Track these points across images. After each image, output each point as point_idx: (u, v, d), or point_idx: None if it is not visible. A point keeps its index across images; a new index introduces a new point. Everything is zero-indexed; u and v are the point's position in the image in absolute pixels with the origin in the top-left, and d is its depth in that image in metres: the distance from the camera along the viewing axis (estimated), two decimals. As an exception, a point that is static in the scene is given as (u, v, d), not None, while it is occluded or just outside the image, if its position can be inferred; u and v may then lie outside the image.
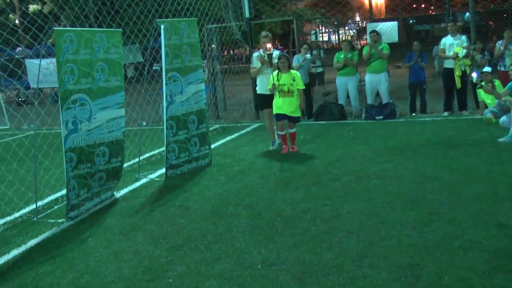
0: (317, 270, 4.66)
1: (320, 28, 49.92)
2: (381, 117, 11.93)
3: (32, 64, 18.18)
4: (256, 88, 10.00)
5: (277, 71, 9.11)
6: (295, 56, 13.44)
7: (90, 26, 17.51)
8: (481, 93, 11.03)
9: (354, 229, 5.53)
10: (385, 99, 12.37)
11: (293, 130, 9.34)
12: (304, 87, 9.31)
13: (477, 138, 9.16)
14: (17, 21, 31.89)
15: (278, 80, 9.03)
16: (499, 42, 12.19)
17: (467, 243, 4.95)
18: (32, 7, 31.47)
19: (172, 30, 8.13)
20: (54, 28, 6.44)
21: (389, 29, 13.53)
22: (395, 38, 13.56)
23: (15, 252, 5.80)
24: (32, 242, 6.07)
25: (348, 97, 12.99)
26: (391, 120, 11.72)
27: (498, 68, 12.37)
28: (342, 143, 9.78)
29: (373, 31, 12.38)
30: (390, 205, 6.14)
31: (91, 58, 6.90)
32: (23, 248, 5.91)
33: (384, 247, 5.03)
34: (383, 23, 14.74)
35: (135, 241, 5.75)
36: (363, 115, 12.28)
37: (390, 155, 8.46)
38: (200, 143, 8.78)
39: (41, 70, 17.12)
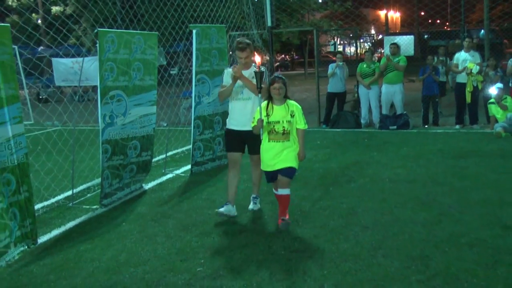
0: (335, 258, 5.13)
1: (336, 40, 50.46)
2: (395, 127, 12.39)
3: (58, 63, 18.78)
4: (226, 120, 6.82)
5: (266, 101, 6.08)
6: (330, 65, 13.86)
7: (110, 28, 18.08)
8: (492, 108, 11.47)
9: (369, 224, 6.00)
10: (399, 110, 12.84)
11: (285, 192, 6.10)
12: (306, 126, 6.12)
13: (487, 150, 9.60)
14: (39, 21, 32.60)
15: (268, 115, 6.01)
16: (511, 59, 12.64)
17: (473, 240, 5.41)
18: (55, 9, 32.19)
19: (203, 35, 8.65)
20: (99, 29, 6.96)
21: (405, 43, 14.01)
22: (411, 51, 14.03)
23: (55, 232, 6.33)
24: (71, 224, 6.60)
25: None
26: (405, 131, 12.17)
27: (510, 85, 12.80)
28: (357, 149, 10.25)
29: (393, 44, 12.87)
30: (402, 206, 6.61)
31: (129, 58, 7.43)
32: (62, 229, 6.44)
33: (396, 241, 5.50)
34: (400, 36, 15.21)
35: (166, 227, 6.25)
36: (377, 125, 12.75)
37: (403, 162, 8.93)
38: (224, 143, 9.28)
39: (66, 69, 17.79)
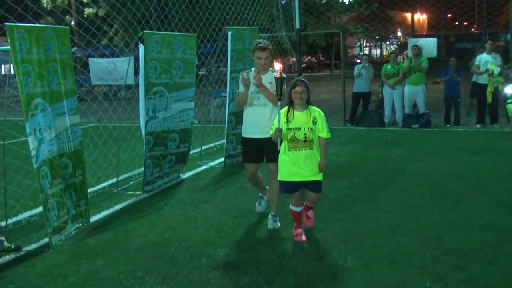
0: (358, 237, 5.74)
1: (362, 42, 50.83)
2: (417, 125, 12.93)
3: (94, 63, 19.67)
4: (242, 128, 6.54)
5: (286, 107, 5.68)
6: (356, 66, 14.48)
7: (142, 29, 18.84)
8: (509, 107, 11.94)
9: (389, 210, 6.60)
10: (421, 109, 13.35)
11: (311, 210, 6.11)
12: (329, 135, 5.65)
13: (504, 147, 10.12)
14: (72, 23, 33.61)
15: (288, 121, 5.59)
16: (532, 62, 13.08)
17: (483, 224, 5.97)
18: (87, 11, 33.21)
19: (237, 37, 9.31)
20: (144, 31, 7.65)
21: (428, 45, 14.51)
22: (434, 53, 14.53)
23: (104, 213, 7.03)
24: (117, 207, 7.30)
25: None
26: (426, 129, 12.70)
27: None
28: (380, 145, 10.82)
29: (415, 45, 13.40)
30: (420, 195, 7.19)
31: (171, 57, 8.11)
32: (110, 210, 7.15)
33: (414, 224, 6.09)
34: (424, 38, 15.73)
35: (204, 210, 6.91)
36: (400, 123, 13.29)
37: (423, 157, 9.50)
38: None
39: (102, 69, 18.64)
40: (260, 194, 6.82)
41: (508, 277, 4.63)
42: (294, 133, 5.55)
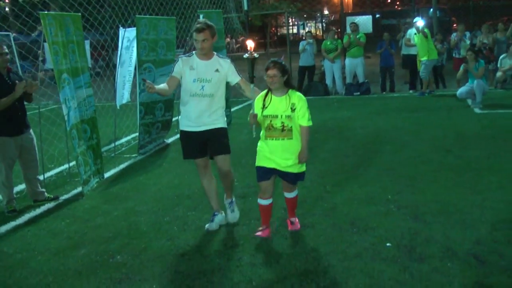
0: (330, 173, 7.35)
1: (291, 21, 52.72)
2: (358, 93, 14.71)
3: (49, 47, 20.46)
4: (179, 119, 5.96)
5: (265, 91, 5.14)
6: (301, 42, 16.05)
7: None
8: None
9: (349, 154, 8.28)
10: (361, 79, 15.14)
11: (292, 195, 5.37)
12: (310, 123, 5.08)
13: (435, 106, 12.03)
14: (7, 9, 33.52)
15: (264, 106, 5.05)
16: (454, 34, 15.06)
17: (425, 159, 7.72)
18: (22, -5, 33.17)
19: (207, 19, 10.65)
20: (136, 16, 8.92)
21: (364, 22, 16.30)
22: (369, 29, 16.36)
23: (113, 171, 8.32)
24: (121, 166, 8.60)
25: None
26: (367, 96, 14.51)
27: (453, 55, 15.26)
28: (330, 110, 12.50)
29: (353, 23, 15.14)
30: (372, 143, 8.92)
31: (156, 38, 9.40)
32: (117, 169, 8.44)
33: (371, 162, 7.76)
34: (360, 16, 17.53)
35: (199, 163, 8.30)
36: (343, 92, 15.04)
37: (369, 116, 11.26)
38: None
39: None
40: (214, 210, 5.78)
41: (446, 189, 6.36)
42: (271, 121, 5.00)
